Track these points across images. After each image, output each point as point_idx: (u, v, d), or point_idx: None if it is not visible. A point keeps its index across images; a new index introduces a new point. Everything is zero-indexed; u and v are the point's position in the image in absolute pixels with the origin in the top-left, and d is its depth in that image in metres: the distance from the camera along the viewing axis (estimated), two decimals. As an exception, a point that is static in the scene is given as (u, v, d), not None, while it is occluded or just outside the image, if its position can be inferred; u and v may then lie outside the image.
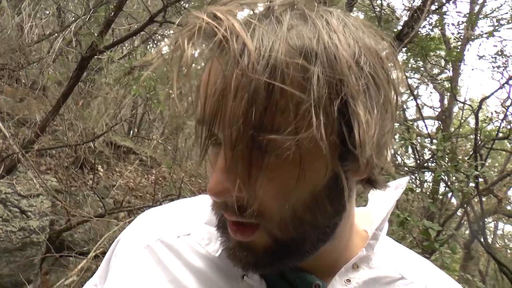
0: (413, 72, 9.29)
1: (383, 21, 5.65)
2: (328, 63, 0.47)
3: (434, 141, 5.39)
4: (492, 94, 6.84)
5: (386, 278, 0.63)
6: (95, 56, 4.12)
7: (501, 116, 6.44)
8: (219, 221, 0.57)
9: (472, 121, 8.31)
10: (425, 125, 5.75)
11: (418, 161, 5.57)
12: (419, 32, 6.64)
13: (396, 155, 5.53)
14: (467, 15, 7.00)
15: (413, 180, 6.17)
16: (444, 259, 3.76)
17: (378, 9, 5.92)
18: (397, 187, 0.67)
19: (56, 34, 5.40)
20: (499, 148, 8.28)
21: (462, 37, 7.07)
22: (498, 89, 6.75)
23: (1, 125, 3.48)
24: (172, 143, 8.65)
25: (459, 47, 7.73)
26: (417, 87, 12.28)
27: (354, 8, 8.16)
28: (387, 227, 0.66)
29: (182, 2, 4.13)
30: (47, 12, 6.56)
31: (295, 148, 0.47)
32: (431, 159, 5.24)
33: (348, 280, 0.61)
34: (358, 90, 0.49)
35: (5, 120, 4.40)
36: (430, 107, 11.30)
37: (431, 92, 11.40)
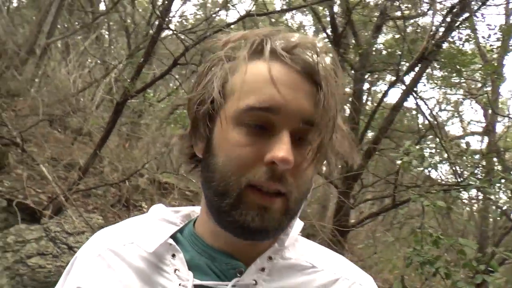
0: (453, 88, 9.09)
1: (408, 42, 5.68)
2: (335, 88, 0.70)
3: (476, 157, 5.26)
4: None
5: (298, 267, 0.76)
6: (128, 100, 4.42)
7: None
8: (235, 199, 0.68)
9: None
10: (440, 143, 5.55)
11: (459, 179, 5.42)
12: (452, 47, 6.57)
13: (429, 172, 5.43)
14: (502, 26, 6.85)
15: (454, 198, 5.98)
16: (485, 278, 3.63)
17: (402, 30, 5.96)
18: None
19: (97, 83, 5.82)
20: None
21: (495, 49, 6.91)
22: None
23: (45, 172, 3.78)
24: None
25: (496, 60, 7.53)
26: (461, 103, 11.97)
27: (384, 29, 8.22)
28: (301, 225, 0.81)
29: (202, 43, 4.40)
30: (89, 60, 7.06)
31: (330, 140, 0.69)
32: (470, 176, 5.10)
33: (263, 269, 0.73)
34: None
35: (54, 165, 4.77)
36: (477, 122, 10.99)
37: (472, 107, 11.06)
